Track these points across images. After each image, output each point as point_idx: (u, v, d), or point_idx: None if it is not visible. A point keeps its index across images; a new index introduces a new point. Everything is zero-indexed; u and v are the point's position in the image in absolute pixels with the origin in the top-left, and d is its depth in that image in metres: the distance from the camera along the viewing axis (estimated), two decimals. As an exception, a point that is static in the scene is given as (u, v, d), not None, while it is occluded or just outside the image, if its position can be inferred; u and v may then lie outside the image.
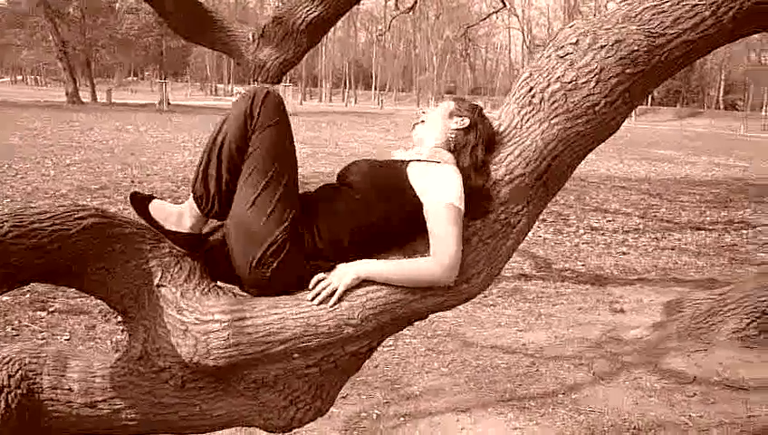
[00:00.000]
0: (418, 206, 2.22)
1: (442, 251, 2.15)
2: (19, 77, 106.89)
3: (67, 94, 43.62)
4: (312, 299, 2.14)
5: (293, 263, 2.15)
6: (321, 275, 2.17)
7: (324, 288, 2.14)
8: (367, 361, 2.39)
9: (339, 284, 2.13)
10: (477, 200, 2.28)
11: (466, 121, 2.41)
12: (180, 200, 2.29)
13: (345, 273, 2.15)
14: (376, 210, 2.23)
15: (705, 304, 5.82)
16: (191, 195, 2.24)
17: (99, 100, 46.63)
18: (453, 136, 2.40)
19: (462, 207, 2.19)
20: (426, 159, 2.32)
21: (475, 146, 2.36)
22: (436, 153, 2.34)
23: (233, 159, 2.16)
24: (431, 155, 2.33)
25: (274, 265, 2.13)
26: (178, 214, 2.25)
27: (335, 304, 2.12)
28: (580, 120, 2.35)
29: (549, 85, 2.38)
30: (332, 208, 2.23)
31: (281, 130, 2.18)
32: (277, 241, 2.12)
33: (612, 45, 2.35)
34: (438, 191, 2.20)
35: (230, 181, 2.17)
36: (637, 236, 10.31)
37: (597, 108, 2.35)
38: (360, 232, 2.22)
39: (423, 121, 2.49)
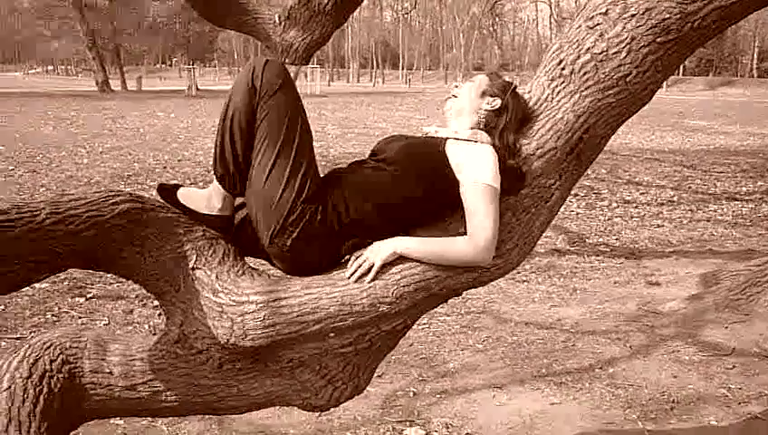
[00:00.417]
0: (455, 184, 2.22)
1: (479, 232, 2.15)
2: (50, 68, 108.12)
3: (97, 83, 44.04)
4: (350, 276, 2.15)
5: (316, 234, 2.15)
6: (358, 253, 2.18)
7: (361, 265, 2.14)
8: (402, 339, 2.40)
9: (376, 259, 2.14)
10: (510, 180, 2.27)
11: (497, 103, 2.38)
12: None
13: (381, 248, 2.16)
14: (411, 186, 2.23)
15: (742, 275, 5.75)
16: (214, 176, 2.26)
17: (129, 87, 47.01)
18: (484, 116, 2.38)
19: (498, 187, 2.18)
20: (464, 139, 2.31)
21: (505, 128, 2.34)
22: (475, 133, 2.32)
23: (244, 134, 2.16)
24: (471, 135, 2.32)
25: (294, 234, 2.13)
26: (207, 197, 2.26)
27: (373, 279, 2.13)
28: (611, 92, 2.32)
29: (579, 57, 2.35)
30: (364, 184, 2.23)
31: (286, 97, 2.18)
32: (296, 210, 2.12)
33: (643, 14, 2.31)
34: (476, 170, 2.19)
35: (246, 156, 2.18)
36: (671, 208, 10.18)
37: (628, 78, 2.31)
38: (391, 208, 2.22)
39: (455, 96, 2.47)
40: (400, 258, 2.16)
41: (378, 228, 2.20)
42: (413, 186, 2.22)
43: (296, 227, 2.13)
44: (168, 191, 2.29)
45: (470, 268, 2.20)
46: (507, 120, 2.35)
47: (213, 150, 2.23)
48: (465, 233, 2.18)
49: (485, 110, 2.38)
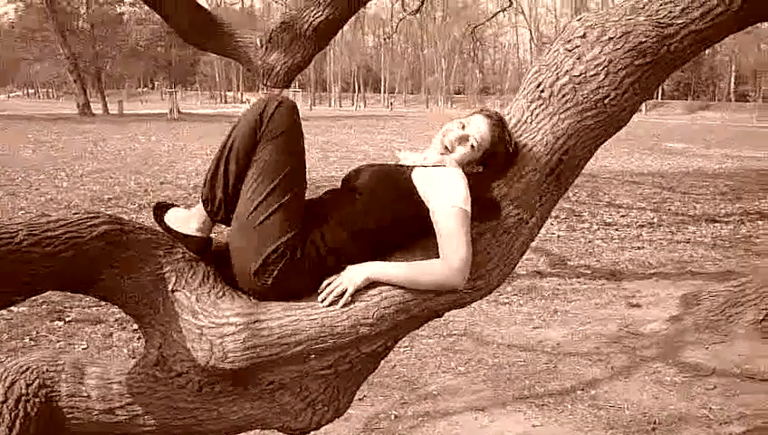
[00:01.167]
0: (424, 210, 2.22)
1: (452, 255, 2.15)
2: (31, 90, 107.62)
3: (78, 106, 43.92)
4: (322, 301, 2.14)
5: (295, 272, 2.15)
6: (331, 278, 2.17)
7: (332, 290, 2.14)
8: (383, 361, 2.39)
9: (349, 285, 2.13)
10: (481, 209, 2.28)
11: (480, 169, 2.38)
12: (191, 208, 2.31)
13: (355, 274, 2.15)
14: (382, 213, 2.23)
15: (722, 296, 5.78)
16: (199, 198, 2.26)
17: (110, 111, 46.88)
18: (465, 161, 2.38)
19: (468, 209, 2.19)
20: (431, 165, 2.32)
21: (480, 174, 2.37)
22: (442, 160, 2.33)
23: (240, 166, 2.17)
24: (438, 161, 2.33)
25: (275, 273, 2.13)
26: (187, 217, 2.27)
27: (344, 305, 2.12)
28: (590, 114, 2.34)
29: (558, 79, 2.37)
30: (338, 214, 2.23)
31: (289, 141, 2.18)
32: (279, 249, 2.12)
33: (620, 37, 2.34)
34: (445, 194, 2.19)
35: (236, 187, 2.18)
36: (651, 230, 10.25)
37: (606, 100, 2.34)
38: (365, 236, 2.22)
39: (455, 144, 2.37)
40: (376, 282, 2.16)
41: (355, 256, 2.20)
42: (383, 213, 2.23)
43: (276, 266, 2.13)
44: (160, 209, 2.30)
45: (447, 290, 2.20)
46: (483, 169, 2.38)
47: (205, 174, 2.24)
48: (437, 256, 2.18)
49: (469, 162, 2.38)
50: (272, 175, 2.14)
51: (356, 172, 2.38)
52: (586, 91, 2.34)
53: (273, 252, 2.12)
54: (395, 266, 2.17)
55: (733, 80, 70.46)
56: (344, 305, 2.13)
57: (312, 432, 2.32)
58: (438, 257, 2.18)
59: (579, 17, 2.51)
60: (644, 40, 2.34)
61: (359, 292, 2.14)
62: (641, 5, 2.41)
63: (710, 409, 4.34)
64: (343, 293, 2.13)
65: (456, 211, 2.16)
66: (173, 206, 2.33)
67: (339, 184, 2.47)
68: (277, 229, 2.13)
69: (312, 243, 2.17)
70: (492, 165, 2.38)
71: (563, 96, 2.36)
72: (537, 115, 2.38)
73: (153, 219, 2.29)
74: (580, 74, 2.35)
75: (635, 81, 2.36)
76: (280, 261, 2.12)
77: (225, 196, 2.20)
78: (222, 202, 2.21)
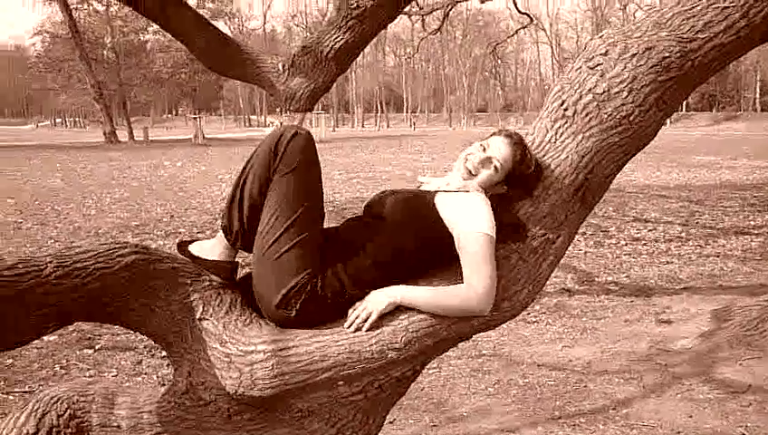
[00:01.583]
0: (448, 236, 2.21)
1: (477, 281, 2.14)
2: (59, 120, 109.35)
3: (105, 134, 44.52)
4: (348, 326, 2.13)
5: (317, 305, 2.14)
6: (357, 303, 2.16)
7: (359, 315, 2.13)
8: (412, 384, 2.38)
9: (373, 309, 2.12)
10: (506, 231, 2.27)
11: (504, 189, 2.39)
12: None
13: (379, 299, 2.14)
14: (405, 240, 2.23)
15: (754, 310, 5.70)
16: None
17: (136, 138, 47.44)
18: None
19: (493, 235, 2.18)
20: (454, 190, 2.31)
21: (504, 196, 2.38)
22: (465, 185, 2.33)
23: (255, 198, 2.19)
24: (460, 186, 2.32)
25: (297, 306, 2.13)
26: (211, 246, 2.29)
27: (370, 329, 2.11)
28: (614, 131, 2.33)
29: (581, 97, 2.36)
30: (361, 244, 2.23)
31: (304, 175, 2.18)
32: (298, 285, 2.12)
33: (643, 53, 2.33)
34: (469, 220, 2.19)
35: (252, 218, 2.20)
36: (680, 244, 10.14)
37: (631, 117, 2.32)
38: (389, 265, 2.21)
39: (478, 167, 2.37)
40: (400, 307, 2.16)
41: (378, 285, 2.19)
42: (407, 240, 2.22)
43: (298, 299, 2.12)
44: (185, 245, 2.32)
45: (471, 316, 2.19)
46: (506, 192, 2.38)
47: (225, 203, 2.25)
48: (462, 282, 2.17)
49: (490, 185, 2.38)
50: (288, 212, 2.15)
51: (379, 198, 2.39)
52: (610, 109, 2.32)
53: (293, 287, 2.12)
54: (420, 291, 2.16)
55: (758, 89, 69.85)
56: (370, 330, 2.12)
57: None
58: (462, 283, 2.17)
59: (600, 34, 2.50)
60: (667, 55, 2.32)
61: (385, 316, 2.14)
62: (664, 21, 2.40)
63: (746, 426, 4.26)
64: (368, 317, 2.12)
65: (481, 237, 2.15)
66: (195, 240, 2.34)
67: (362, 207, 2.47)
68: (294, 266, 2.12)
69: (335, 274, 2.17)
70: (516, 185, 2.37)
71: (587, 114, 2.35)
72: (561, 134, 2.37)
73: (178, 252, 2.30)
74: (604, 92, 2.34)
75: (659, 97, 2.34)
76: (300, 295, 2.12)
77: (242, 226, 2.22)
78: (239, 232, 2.23)
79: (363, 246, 2.21)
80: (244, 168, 2.22)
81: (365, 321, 2.12)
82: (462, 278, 2.17)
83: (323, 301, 2.14)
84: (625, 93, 2.32)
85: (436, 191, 2.33)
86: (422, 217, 2.25)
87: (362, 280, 2.18)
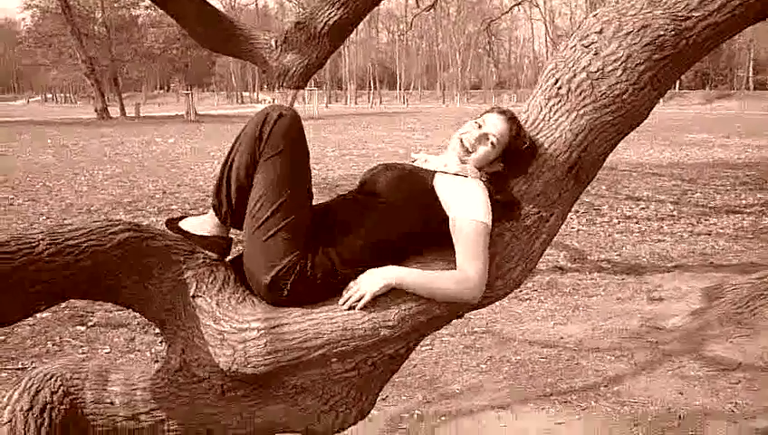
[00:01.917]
0: (444, 218, 2.21)
1: (469, 268, 2.14)
2: (49, 96, 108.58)
3: (96, 110, 44.24)
4: (343, 304, 2.14)
5: (307, 285, 2.14)
6: (351, 283, 2.16)
7: (351, 296, 2.13)
8: (405, 361, 2.39)
9: (366, 290, 2.13)
10: (501, 211, 2.28)
11: (500, 166, 2.39)
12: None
13: (372, 280, 2.14)
14: (401, 220, 2.23)
15: (745, 288, 5.73)
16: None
17: (127, 114, 47.17)
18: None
19: (489, 223, 2.19)
20: (453, 173, 2.31)
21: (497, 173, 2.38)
22: (464, 168, 2.32)
23: (241, 179, 2.19)
24: (459, 170, 2.32)
25: (288, 287, 2.13)
26: (202, 222, 2.30)
27: (363, 308, 2.12)
28: (608, 110, 2.33)
29: (575, 76, 2.35)
30: (354, 223, 2.23)
31: (289, 158, 2.17)
32: (286, 266, 2.12)
33: (638, 32, 2.32)
34: (466, 206, 2.19)
35: (239, 200, 2.20)
36: (671, 222, 10.17)
37: (625, 96, 2.32)
38: (382, 245, 2.21)
39: (473, 145, 2.37)
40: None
41: (368, 264, 2.18)
42: (403, 220, 2.23)
43: (288, 281, 2.12)
44: (174, 222, 2.31)
45: (461, 302, 2.19)
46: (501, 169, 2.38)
47: (215, 182, 2.25)
48: (455, 267, 2.18)
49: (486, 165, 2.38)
50: (274, 196, 2.14)
51: (372, 175, 2.37)
52: (604, 87, 2.32)
53: (282, 268, 2.12)
54: (413, 274, 2.16)
55: (751, 68, 69.79)
56: (363, 309, 2.12)
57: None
58: (456, 268, 2.17)
59: (595, 13, 2.49)
60: (662, 33, 2.32)
61: (379, 295, 2.14)
62: (658, -1, 2.39)
63: (735, 403, 4.30)
64: (361, 298, 2.12)
65: (475, 225, 2.16)
66: (184, 217, 2.33)
67: (356, 184, 2.46)
68: (282, 248, 2.12)
69: (325, 254, 2.16)
70: (512, 162, 2.37)
71: (581, 92, 2.34)
72: (555, 112, 2.37)
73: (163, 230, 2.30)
74: (598, 70, 2.33)
75: (653, 75, 2.34)
76: (290, 276, 2.12)
77: (230, 206, 2.22)
78: (228, 212, 2.24)
79: (355, 226, 2.21)
80: (232, 148, 2.21)
81: (358, 301, 2.12)
82: (455, 264, 2.17)
83: (313, 281, 2.14)
84: (619, 72, 2.31)
85: (435, 172, 2.32)
86: (419, 198, 2.25)
87: (354, 260, 2.18)
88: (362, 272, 2.17)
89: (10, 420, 2.02)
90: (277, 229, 2.13)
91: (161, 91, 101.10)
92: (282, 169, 2.15)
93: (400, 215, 2.22)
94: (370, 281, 2.14)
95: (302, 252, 2.14)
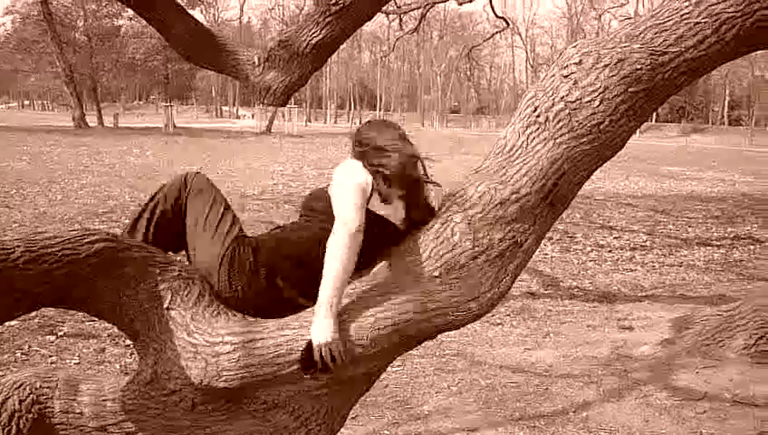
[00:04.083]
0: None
1: (336, 224, 2.21)
2: (26, 102, 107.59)
3: (74, 119, 43.87)
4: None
5: (254, 278, 2.27)
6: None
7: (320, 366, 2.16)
8: (376, 381, 2.40)
9: (327, 354, 2.12)
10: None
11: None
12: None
13: (319, 339, 2.12)
14: (305, 236, 2.40)
15: (713, 320, 5.80)
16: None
17: (105, 124, 46.84)
18: None
19: (355, 182, 2.28)
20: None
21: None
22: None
23: (166, 213, 2.38)
24: None
25: (234, 278, 2.26)
26: None
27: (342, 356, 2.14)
28: (585, 139, 2.37)
29: (553, 105, 2.40)
30: (295, 238, 2.39)
31: (208, 195, 2.41)
32: (227, 255, 2.28)
33: (615, 64, 2.37)
34: (334, 176, 2.37)
35: (158, 227, 2.38)
36: (644, 252, 10.28)
37: (602, 126, 2.37)
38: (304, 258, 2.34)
39: None
40: (374, 301, 2.18)
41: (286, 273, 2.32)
42: (306, 235, 2.40)
43: (232, 270, 2.28)
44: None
45: (444, 311, 2.22)
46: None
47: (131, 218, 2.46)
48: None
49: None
50: (203, 216, 2.37)
51: (312, 194, 2.57)
52: (581, 117, 2.36)
53: (223, 257, 2.28)
54: (324, 286, 2.15)
55: (726, 104, 70.86)
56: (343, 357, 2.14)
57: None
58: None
59: (575, 44, 2.54)
60: (639, 67, 2.37)
61: (351, 314, 2.15)
62: (637, 33, 2.44)
63: (700, 433, 4.34)
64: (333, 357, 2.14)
65: (338, 181, 2.31)
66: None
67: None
68: (220, 241, 2.32)
69: (266, 247, 2.34)
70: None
71: (559, 121, 2.38)
72: (533, 140, 2.41)
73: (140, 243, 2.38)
74: (576, 100, 2.38)
75: (629, 107, 2.39)
76: (233, 264, 2.27)
77: (146, 234, 2.37)
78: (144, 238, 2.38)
79: (298, 241, 2.37)
80: (154, 195, 2.43)
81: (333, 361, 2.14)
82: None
83: (256, 273, 2.26)
84: (597, 102, 2.36)
85: None
86: (324, 210, 2.37)
87: (292, 255, 2.33)
88: (303, 276, 2.28)
89: (-23, 427, 2.01)
90: (215, 232, 2.31)
91: (141, 103, 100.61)
92: (208, 198, 2.40)
93: (306, 229, 2.43)
94: (319, 342, 2.13)
95: (238, 240, 2.31)
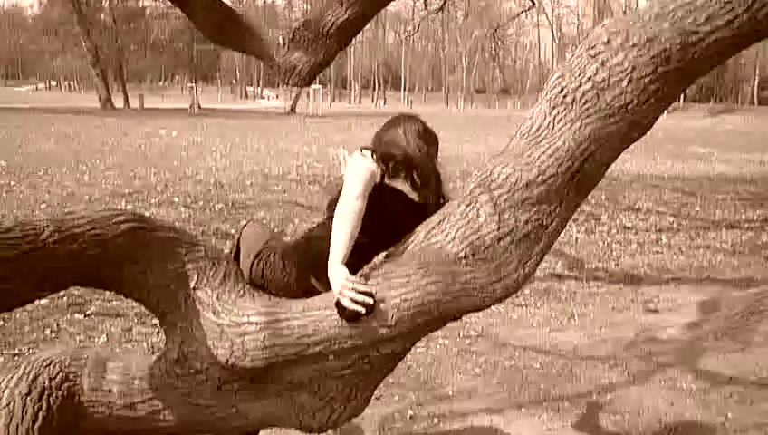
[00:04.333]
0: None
1: (343, 189, 2.33)
2: (53, 83, 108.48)
3: (100, 100, 44.24)
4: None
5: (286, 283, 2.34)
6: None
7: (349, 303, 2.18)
8: (400, 362, 2.41)
9: (348, 294, 2.16)
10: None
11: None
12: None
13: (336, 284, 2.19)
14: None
15: (740, 303, 5.75)
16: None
17: (131, 105, 47.15)
18: None
19: (365, 168, 2.37)
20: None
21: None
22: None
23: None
24: None
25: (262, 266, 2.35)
26: None
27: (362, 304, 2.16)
28: (612, 120, 2.34)
29: (581, 85, 2.36)
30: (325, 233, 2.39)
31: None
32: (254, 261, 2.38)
33: (644, 44, 2.33)
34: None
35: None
36: (671, 234, 10.19)
37: (629, 107, 2.33)
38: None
39: None
40: (399, 283, 2.18)
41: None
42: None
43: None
44: None
45: (470, 293, 2.22)
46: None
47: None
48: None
49: None
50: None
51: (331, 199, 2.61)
52: (609, 98, 2.33)
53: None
54: (332, 242, 2.26)
55: (756, 83, 69.75)
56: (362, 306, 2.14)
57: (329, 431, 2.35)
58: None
59: (603, 23, 2.50)
60: (668, 47, 2.33)
61: (377, 295, 2.15)
62: (666, 12, 2.40)
63: (726, 416, 4.32)
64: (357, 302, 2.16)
65: (352, 162, 2.43)
66: None
67: None
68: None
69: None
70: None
71: (586, 102, 2.35)
72: (559, 120, 2.38)
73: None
74: (603, 80, 2.34)
75: (658, 88, 2.35)
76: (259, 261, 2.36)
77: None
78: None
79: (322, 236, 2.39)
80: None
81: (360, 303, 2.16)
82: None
83: (288, 277, 2.34)
84: (625, 83, 2.33)
85: None
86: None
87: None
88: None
89: (8, 404, 2.04)
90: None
91: (165, 84, 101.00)
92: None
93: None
94: (336, 285, 2.19)
95: (268, 246, 2.42)
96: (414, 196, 2.50)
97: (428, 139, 2.65)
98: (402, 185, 2.48)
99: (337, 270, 2.19)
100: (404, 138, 2.63)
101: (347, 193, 2.33)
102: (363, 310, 2.12)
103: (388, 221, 2.39)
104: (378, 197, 2.36)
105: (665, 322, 6.09)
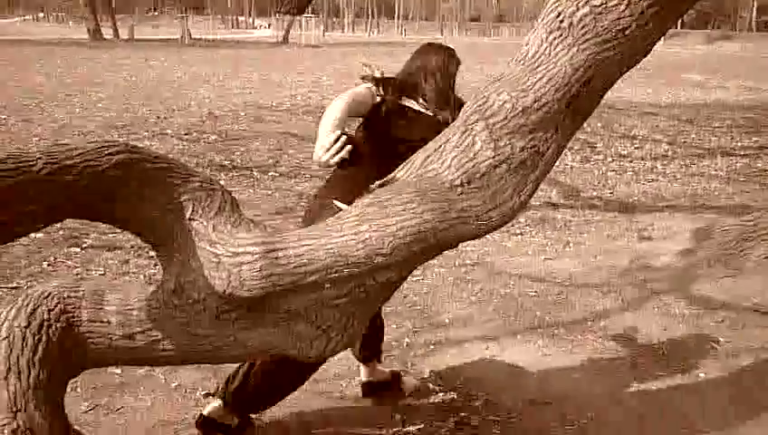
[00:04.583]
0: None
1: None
2: (41, 15, 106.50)
3: (89, 31, 43.46)
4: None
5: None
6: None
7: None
8: (396, 291, 2.42)
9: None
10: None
11: None
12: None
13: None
14: None
15: (734, 230, 5.78)
16: None
17: (121, 36, 46.40)
18: None
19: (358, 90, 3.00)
20: None
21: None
22: None
23: None
24: None
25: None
26: None
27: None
28: (609, 45, 2.31)
29: (578, 9, 2.32)
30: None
31: None
32: None
33: (643, -34, 2.28)
34: None
35: None
36: (666, 162, 10.19)
37: (627, 32, 2.30)
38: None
39: None
40: (396, 210, 2.18)
41: None
42: None
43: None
44: None
45: (466, 220, 2.22)
46: None
47: None
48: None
49: None
50: None
51: None
52: (606, 22, 2.29)
53: None
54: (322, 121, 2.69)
55: (755, 9, 68.80)
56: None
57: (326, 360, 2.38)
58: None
59: (601, -55, 2.44)
60: (667, -31, 2.28)
61: (372, 222, 2.16)
62: (666, -67, 2.34)
63: (718, 341, 4.39)
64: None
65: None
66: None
67: None
68: None
69: None
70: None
71: (583, 27, 2.31)
72: (556, 46, 2.34)
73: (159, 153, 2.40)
74: (601, 4, 2.30)
75: (656, 11, 2.31)
76: None
77: None
78: None
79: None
80: None
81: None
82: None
83: None
84: (622, 6, 2.28)
85: None
86: None
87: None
88: None
89: (8, 336, 2.06)
90: None
91: (155, 13, 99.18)
92: None
93: None
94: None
95: None
96: (430, 114, 2.96)
97: (441, 64, 3.11)
98: (419, 107, 3.00)
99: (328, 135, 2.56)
100: (422, 64, 3.15)
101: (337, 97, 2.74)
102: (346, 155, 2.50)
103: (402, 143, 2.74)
104: (386, 118, 2.83)
105: (659, 249, 6.13)
